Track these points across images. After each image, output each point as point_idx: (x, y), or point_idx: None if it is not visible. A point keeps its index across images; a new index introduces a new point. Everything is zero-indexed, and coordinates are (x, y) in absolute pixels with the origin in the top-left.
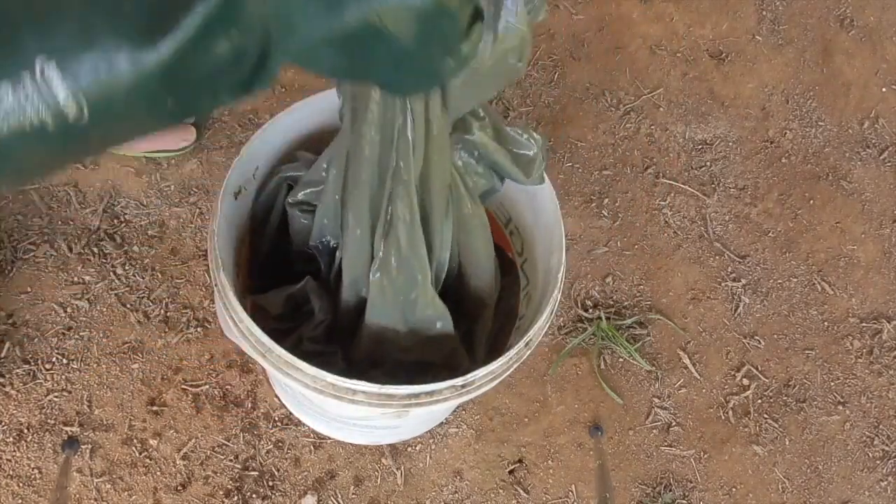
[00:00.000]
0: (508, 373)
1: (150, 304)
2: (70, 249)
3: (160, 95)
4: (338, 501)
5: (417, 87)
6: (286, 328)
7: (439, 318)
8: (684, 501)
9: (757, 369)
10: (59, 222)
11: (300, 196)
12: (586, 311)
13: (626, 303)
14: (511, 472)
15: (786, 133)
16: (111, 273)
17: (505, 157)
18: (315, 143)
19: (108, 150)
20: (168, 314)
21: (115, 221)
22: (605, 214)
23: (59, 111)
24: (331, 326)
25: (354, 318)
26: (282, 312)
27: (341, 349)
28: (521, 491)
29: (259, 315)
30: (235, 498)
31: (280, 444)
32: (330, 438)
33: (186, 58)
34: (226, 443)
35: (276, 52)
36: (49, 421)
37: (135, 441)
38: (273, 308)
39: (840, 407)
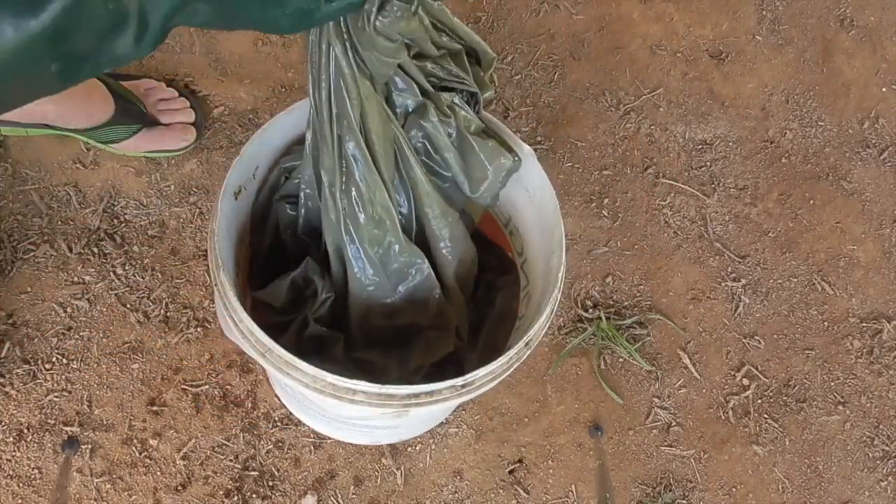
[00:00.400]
0: (508, 373)
1: (150, 304)
2: (70, 249)
3: (44, 60)
4: (338, 501)
5: (293, 26)
6: (289, 320)
7: (416, 264)
8: (684, 501)
9: (757, 369)
10: (59, 222)
11: (287, 189)
12: (586, 311)
13: (626, 303)
14: (511, 472)
15: (786, 133)
16: (111, 273)
17: (455, 160)
18: None
19: (4, 112)
20: (168, 314)
21: (115, 221)
22: (605, 214)
23: None
24: (335, 305)
25: (345, 292)
26: (285, 303)
27: (344, 334)
28: (521, 491)
29: (260, 312)
30: (235, 498)
31: (280, 444)
32: (330, 438)
33: (68, 23)
34: (226, 443)
35: (154, 13)
36: (49, 421)
37: (135, 441)
38: (276, 300)
39: (840, 407)
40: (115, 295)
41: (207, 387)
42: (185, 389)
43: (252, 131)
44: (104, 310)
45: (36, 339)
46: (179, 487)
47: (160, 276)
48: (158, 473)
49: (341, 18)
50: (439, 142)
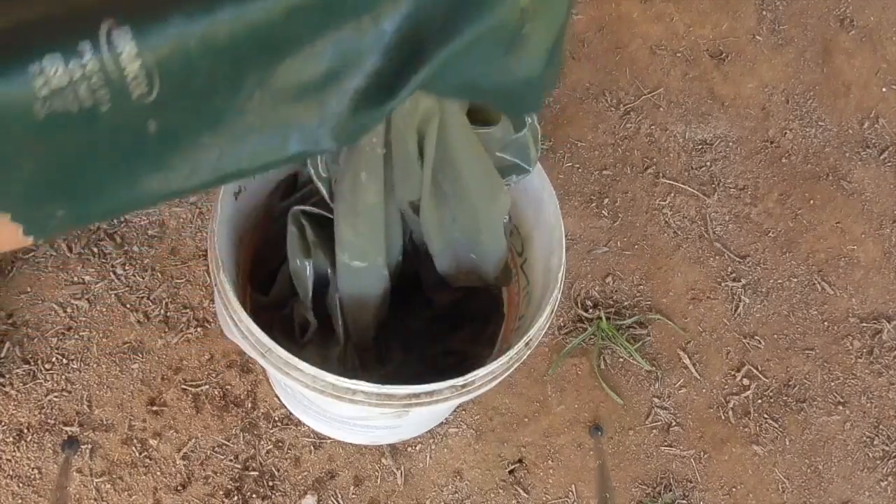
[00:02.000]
0: (508, 373)
1: (150, 304)
2: (70, 249)
3: (259, 66)
4: (338, 501)
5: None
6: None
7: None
8: (684, 501)
9: (757, 369)
10: None
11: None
12: (586, 311)
13: (626, 303)
14: (511, 472)
15: (786, 133)
16: (111, 273)
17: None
18: None
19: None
20: (168, 314)
21: (115, 221)
22: (605, 214)
23: (121, 86)
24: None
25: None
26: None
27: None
28: (521, 491)
29: (260, 312)
30: (235, 498)
31: (280, 444)
32: (330, 438)
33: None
34: (226, 443)
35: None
36: (49, 421)
37: (135, 441)
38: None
39: (840, 407)
40: (115, 295)
41: (207, 387)
42: (185, 389)
43: None
44: (104, 310)
45: (36, 339)
46: (179, 487)
47: (160, 276)
48: (158, 473)
49: None
50: None
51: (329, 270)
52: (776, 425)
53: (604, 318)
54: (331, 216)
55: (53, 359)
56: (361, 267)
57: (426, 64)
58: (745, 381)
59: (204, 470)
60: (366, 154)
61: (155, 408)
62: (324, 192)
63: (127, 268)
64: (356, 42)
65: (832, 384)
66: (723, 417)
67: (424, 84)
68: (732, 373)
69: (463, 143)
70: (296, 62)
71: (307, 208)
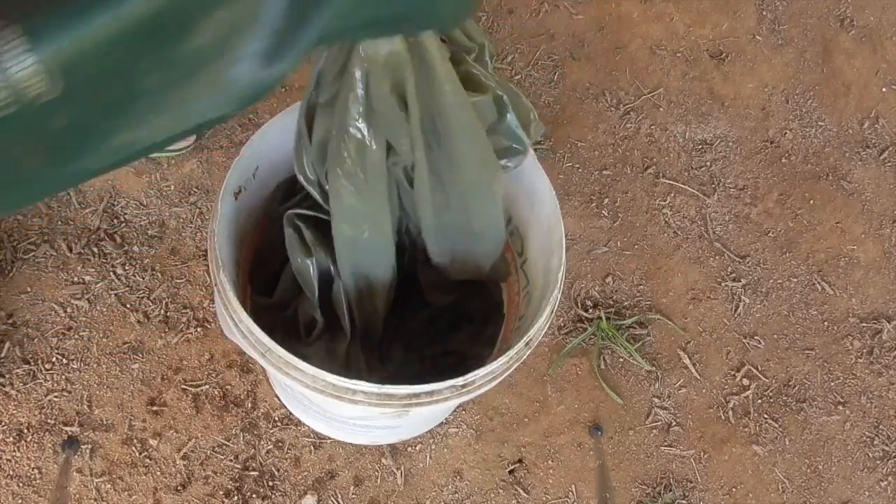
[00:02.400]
0: (508, 373)
1: (150, 304)
2: (70, 249)
3: (154, 45)
4: (338, 501)
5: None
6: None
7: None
8: (684, 501)
9: (757, 369)
10: (59, 222)
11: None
12: (586, 311)
13: (626, 303)
14: (511, 472)
15: (786, 133)
16: (111, 273)
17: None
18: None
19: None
20: (168, 314)
21: (115, 221)
22: (605, 214)
23: (19, 88)
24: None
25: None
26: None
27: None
28: (521, 491)
29: (261, 312)
30: (235, 498)
31: (280, 444)
32: (330, 438)
33: None
34: (226, 443)
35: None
36: (49, 421)
37: (135, 441)
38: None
39: (840, 407)
40: (115, 295)
41: (207, 387)
42: (185, 389)
43: (252, 131)
44: (104, 310)
45: (36, 339)
46: (179, 487)
47: (160, 276)
48: (158, 473)
49: None
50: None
51: (332, 267)
52: (776, 425)
53: (604, 318)
54: (325, 217)
55: (53, 359)
56: (367, 237)
57: (320, 13)
58: (745, 381)
59: (204, 470)
60: (370, 108)
61: (155, 408)
62: (315, 194)
63: (127, 268)
64: (251, 7)
65: (832, 384)
66: (723, 417)
67: (327, 35)
68: (732, 373)
69: (452, 101)
70: (192, 38)
71: (301, 211)
